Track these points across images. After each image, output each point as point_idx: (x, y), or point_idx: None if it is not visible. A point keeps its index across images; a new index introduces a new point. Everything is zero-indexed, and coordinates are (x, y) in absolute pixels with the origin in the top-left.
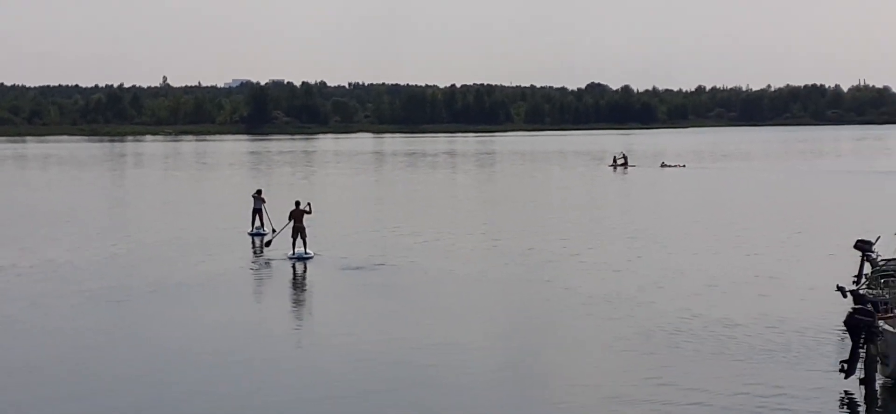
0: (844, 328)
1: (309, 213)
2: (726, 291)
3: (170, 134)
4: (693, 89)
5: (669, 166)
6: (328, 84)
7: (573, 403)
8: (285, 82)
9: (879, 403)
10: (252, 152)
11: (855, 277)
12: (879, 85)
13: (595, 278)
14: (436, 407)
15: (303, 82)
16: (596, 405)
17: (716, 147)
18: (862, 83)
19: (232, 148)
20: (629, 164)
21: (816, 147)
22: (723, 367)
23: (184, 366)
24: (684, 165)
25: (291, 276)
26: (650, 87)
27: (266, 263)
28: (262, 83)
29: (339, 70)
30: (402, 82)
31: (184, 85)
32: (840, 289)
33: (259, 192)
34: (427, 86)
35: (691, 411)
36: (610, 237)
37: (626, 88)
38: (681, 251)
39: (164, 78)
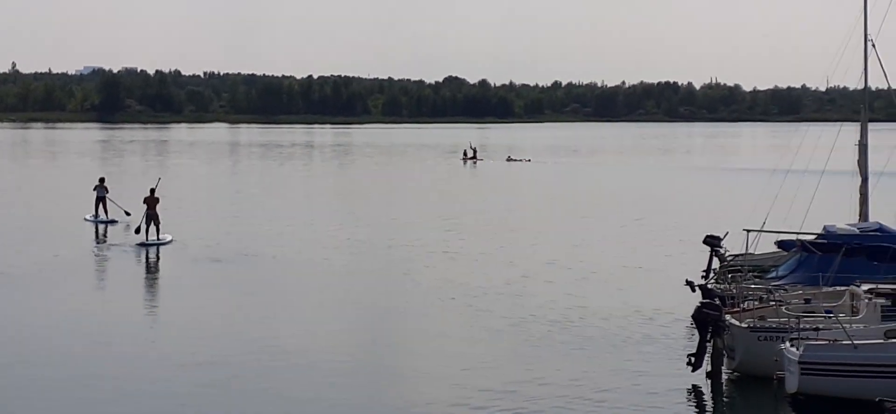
0: (692, 322)
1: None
2: (586, 284)
3: (16, 121)
4: (549, 84)
5: (515, 160)
6: (183, 73)
7: (435, 397)
8: (139, 70)
9: (725, 395)
10: (102, 141)
11: (704, 271)
12: (731, 83)
13: (460, 271)
14: (289, 401)
15: (156, 71)
16: (460, 397)
17: (568, 142)
18: (714, 81)
19: (82, 136)
20: (478, 157)
21: (668, 143)
22: (581, 358)
23: (20, 360)
24: (529, 159)
25: (143, 264)
26: (507, 82)
27: (116, 250)
28: (115, 71)
29: (193, 59)
30: (259, 72)
31: (34, 71)
32: (689, 283)
33: (102, 180)
34: (284, 76)
35: (546, 399)
36: (469, 229)
37: (483, 82)
38: (539, 244)
39: (13, 64)
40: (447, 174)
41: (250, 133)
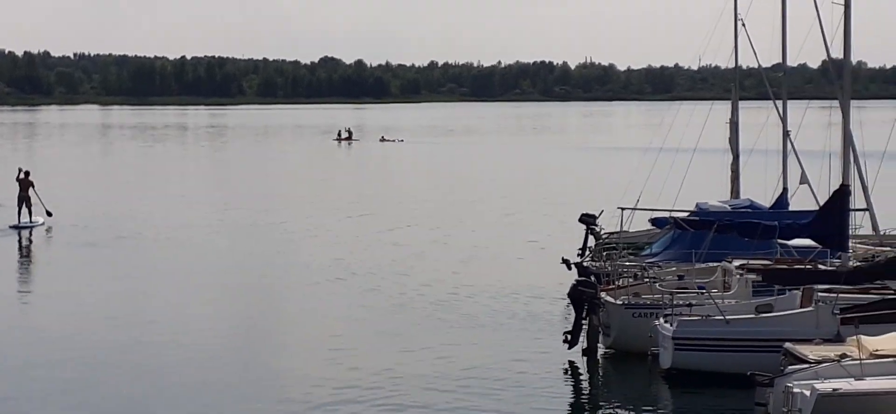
0: (568, 300)
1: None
2: (465, 264)
3: None
4: (426, 65)
5: (388, 141)
6: (52, 54)
7: (311, 378)
8: (6, 52)
9: (601, 372)
10: None
11: (579, 249)
12: (605, 63)
13: (341, 251)
14: (160, 385)
15: (25, 52)
16: (337, 377)
17: (444, 122)
18: (588, 61)
19: None
20: (353, 138)
21: (544, 123)
22: (459, 337)
23: None
24: (402, 140)
25: (15, 247)
26: (383, 62)
27: None
28: None
29: (63, 40)
30: (130, 53)
31: None
32: (565, 261)
33: None
34: (156, 57)
35: (424, 377)
36: (347, 210)
37: (359, 63)
38: (418, 224)
39: None
40: (322, 155)
41: (122, 115)
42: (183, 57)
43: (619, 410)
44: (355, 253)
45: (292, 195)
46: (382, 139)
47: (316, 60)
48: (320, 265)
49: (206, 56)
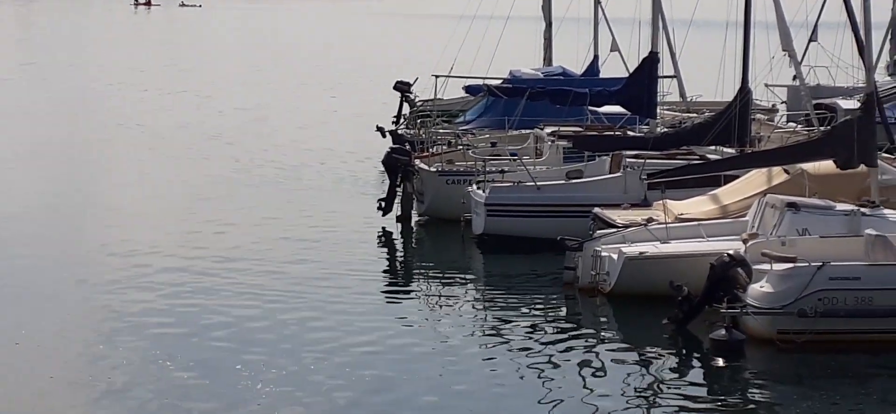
0: (383, 167)
1: None
2: (279, 131)
3: None
4: None
5: (187, 6)
6: None
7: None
8: None
9: (415, 238)
10: None
11: (394, 117)
12: None
13: (154, 124)
14: None
15: None
16: (156, 247)
17: None
18: None
19: None
20: (153, 3)
21: None
22: (265, 201)
23: None
24: (200, 5)
25: None
26: None
27: None
28: None
29: None
30: None
31: None
32: (379, 129)
33: None
34: None
35: (239, 247)
36: (157, 84)
37: None
38: (230, 96)
39: None
40: (120, 22)
41: None
42: None
43: (432, 275)
44: (170, 127)
45: (96, 64)
46: (182, 4)
47: None
48: (128, 134)
49: None
